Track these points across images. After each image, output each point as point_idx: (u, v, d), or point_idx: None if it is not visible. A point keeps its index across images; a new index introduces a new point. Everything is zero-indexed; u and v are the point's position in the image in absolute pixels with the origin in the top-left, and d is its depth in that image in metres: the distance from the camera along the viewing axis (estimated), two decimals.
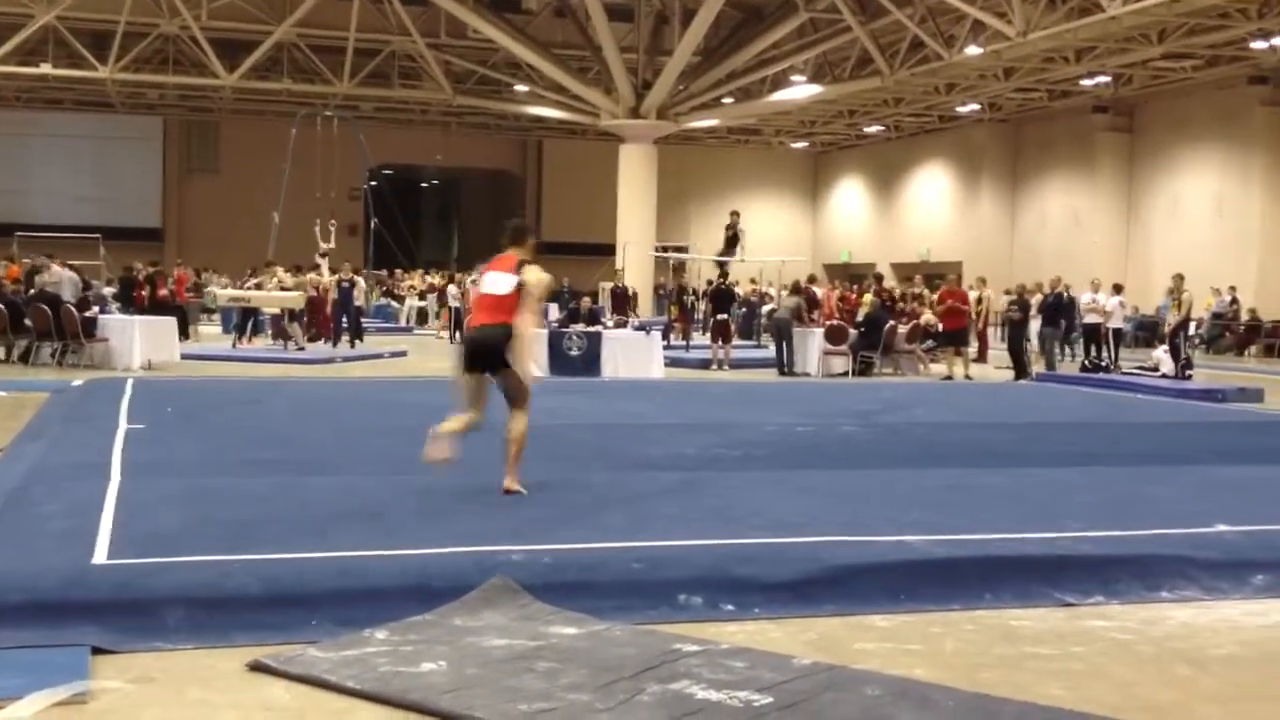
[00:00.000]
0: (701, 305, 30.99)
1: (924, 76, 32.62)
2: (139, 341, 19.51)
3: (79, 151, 45.84)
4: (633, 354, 20.02)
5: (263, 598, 5.51)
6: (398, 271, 41.53)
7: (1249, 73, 32.31)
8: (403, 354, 24.52)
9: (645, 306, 33.73)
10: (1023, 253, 41.10)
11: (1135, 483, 9.17)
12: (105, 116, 44.56)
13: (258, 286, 25.22)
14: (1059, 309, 22.16)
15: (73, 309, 19.42)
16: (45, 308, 19.21)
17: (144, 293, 25.31)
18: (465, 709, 4.48)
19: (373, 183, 36.47)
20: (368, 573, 5.83)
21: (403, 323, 37.35)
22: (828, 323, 23.15)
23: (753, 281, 32.45)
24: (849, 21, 30.18)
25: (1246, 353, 31.06)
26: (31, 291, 20.40)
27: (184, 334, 23.55)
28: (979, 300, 24.74)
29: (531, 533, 6.68)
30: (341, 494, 7.81)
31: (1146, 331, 31.92)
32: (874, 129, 45.02)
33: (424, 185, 57.04)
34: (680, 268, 35.23)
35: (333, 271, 26.72)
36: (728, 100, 37.38)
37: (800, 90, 35.95)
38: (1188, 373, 20.62)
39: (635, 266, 31.91)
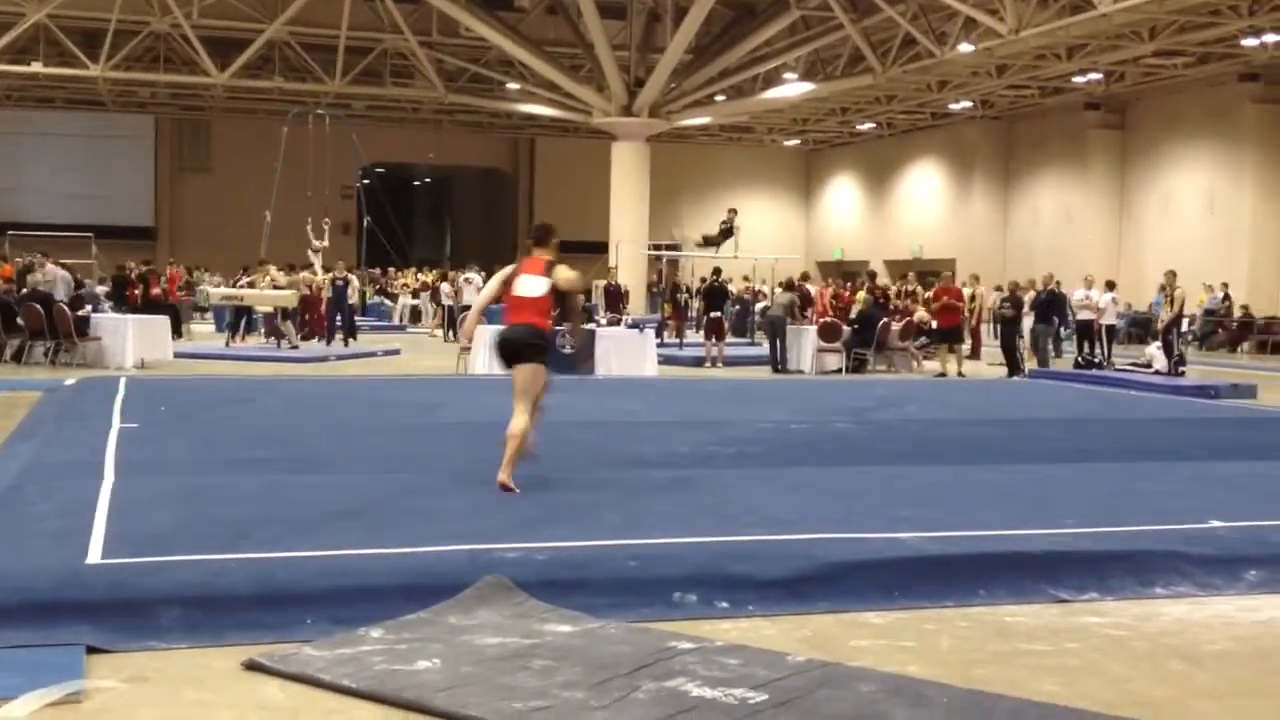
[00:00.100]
0: (695, 303, 31.01)
1: (916, 74, 32.64)
2: (132, 340, 19.49)
3: (70, 150, 45.76)
4: (626, 352, 20.02)
5: (257, 596, 5.51)
6: (391, 270, 41.53)
7: (1240, 70, 32.37)
8: (396, 352, 24.51)
9: (638, 304, 33.72)
10: (1015, 250, 41.15)
11: (1129, 479, 9.18)
12: (97, 115, 44.50)
13: (250, 285, 25.18)
14: (1051, 306, 22.20)
15: (65, 308, 19.39)
16: (38, 307, 19.18)
17: (137, 292, 25.27)
18: (460, 707, 4.48)
19: (365, 181, 36.35)
20: (362, 571, 5.82)
21: (396, 321, 37.34)
22: (821, 320, 23.17)
23: (746, 279, 32.46)
24: (841, 19, 30.19)
25: (1239, 349, 31.12)
26: (24, 290, 20.35)
27: (176, 333, 23.53)
28: (972, 297, 24.77)
29: (526, 531, 6.68)
30: (336, 492, 7.80)
31: (1139, 328, 31.98)
32: (866, 126, 45.05)
33: (416, 183, 57.02)
34: (674, 265, 35.25)
35: (326, 270, 26.70)
36: (720, 98, 37.39)
37: (792, 88, 35.95)
38: (1181, 369, 20.65)
39: (628, 264, 31.91)
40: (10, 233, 34.34)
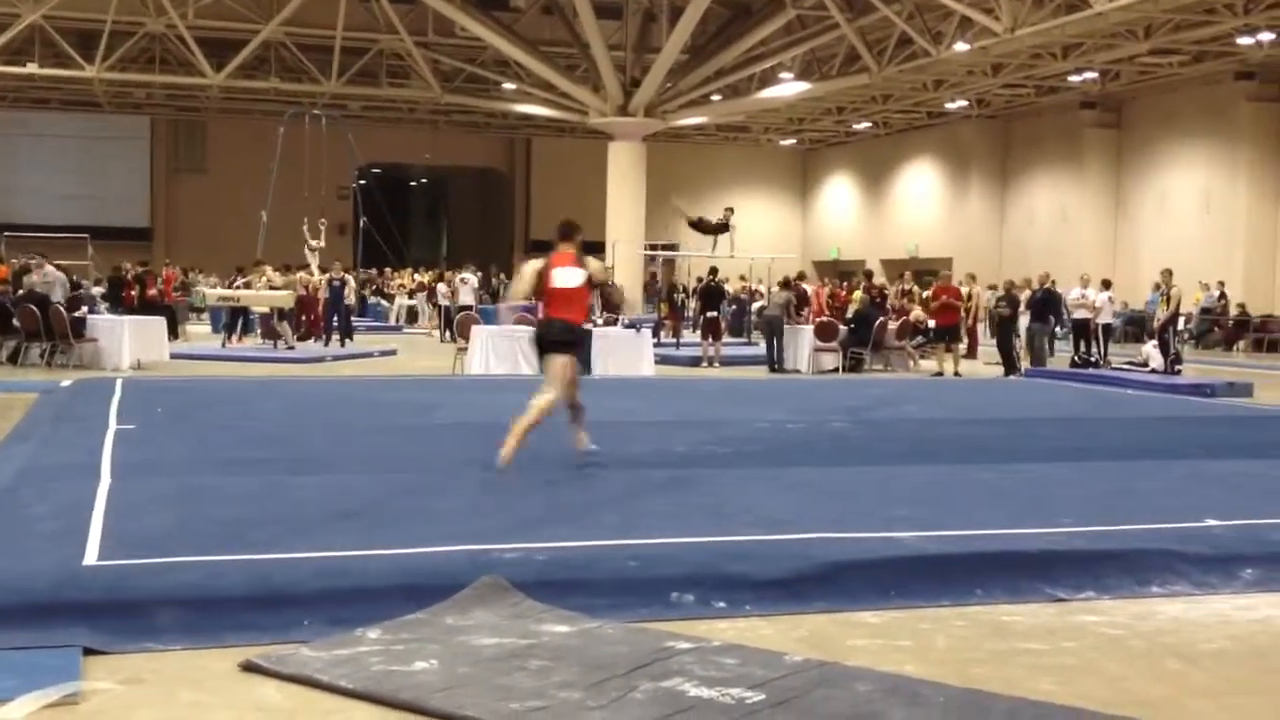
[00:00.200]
0: (692, 303, 31.01)
1: (912, 73, 32.65)
2: (128, 341, 19.49)
3: (66, 151, 45.71)
4: (623, 351, 20.02)
5: (254, 597, 5.50)
6: (387, 270, 41.51)
7: (1235, 68, 32.40)
8: (392, 353, 24.51)
9: (634, 304, 33.69)
10: (1011, 249, 41.17)
11: (1125, 478, 9.19)
12: (92, 116, 44.44)
13: (247, 286, 25.19)
14: (1047, 305, 22.23)
15: (61, 309, 19.38)
16: (33, 308, 19.17)
17: (133, 293, 25.26)
18: (457, 708, 4.48)
19: (361, 182, 36.41)
20: (359, 572, 5.82)
21: (392, 321, 37.33)
22: (818, 319, 23.18)
23: (742, 279, 32.47)
24: (837, 18, 30.19)
25: (1235, 347, 31.17)
26: (20, 292, 20.34)
27: (172, 334, 23.52)
28: (968, 297, 24.79)
29: (523, 531, 6.68)
30: (333, 493, 7.80)
31: (1135, 327, 32.02)
32: (862, 126, 45.05)
33: (412, 184, 57.02)
34: (670, 265, 35.28)
35: (323, 271, 26.70)
36: (716, 97, 37.37)
37: (788, 87, 35.94)
38: (1177, 368, 20.70)
39: (625, 264, 31.89)
40: (6, 234, 34.30)
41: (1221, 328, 32.19)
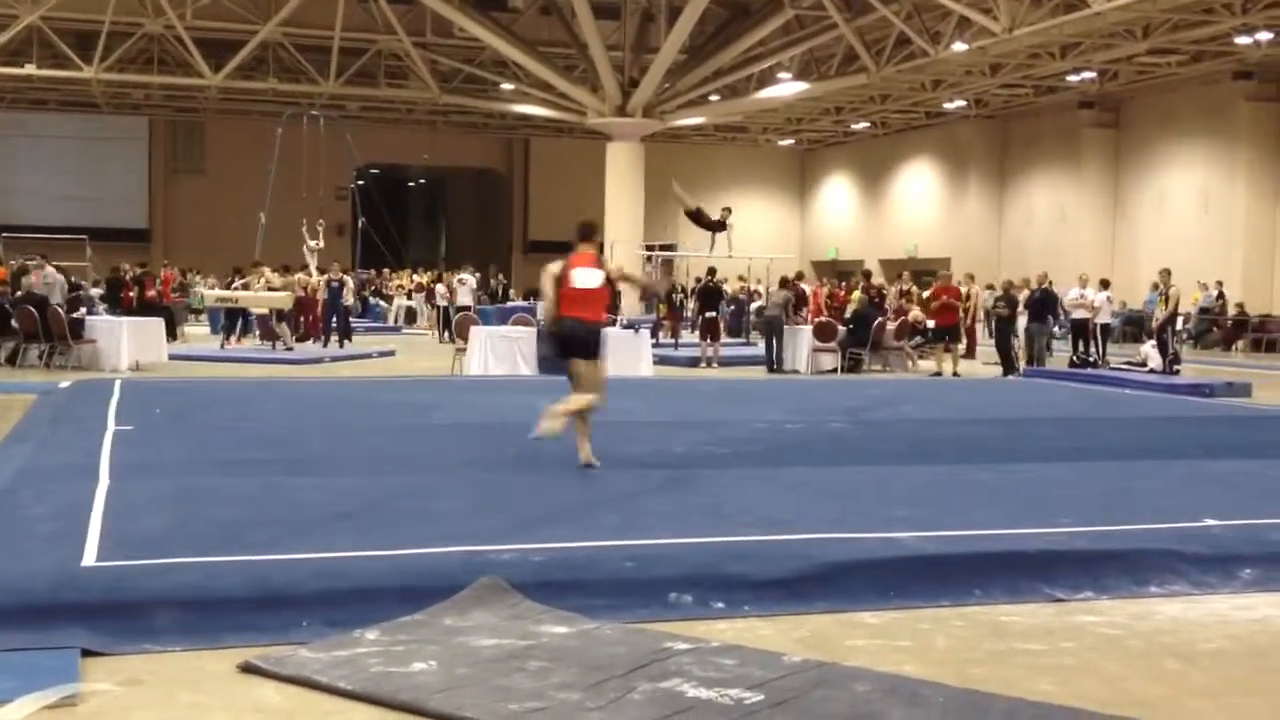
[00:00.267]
0: (690, 303, 30.98)
1: (910, 73, 32.65)
2: (127, 342, 19.48)
3: (64, 152, 45.70)
4: (621, 352, 19.97)
5: (253, 599, 5.50)
6: (385, 271, 41.50)
7: (1233, 68, 32.41)
8: (391, 353, 24.50)
9: (632, 304, 33.68)
10: (1010, 249, 41.18)
11: (1124, 478, 9.19)
12: (90, 117, 44.42)
13: (245, 287, 25.19)
14: (1045, 304, 22.24)
15: (60, 310, 19.37)
16: (32, 309, 19.16)
17: (131, 294, 25.26)
18: (456, 709, 4.48)
19: (359, 182, 36.39)
20: (358, 573, 5.82)
21: (391, 322, 37.33)
22: (816, 320, 23.18)
23: (741, 279, 32.48)
24: (835, 18, 30.19)
25: (1234, 347, 31.18)
26: (18, 293, 20.34)
27: (170, 335, 23.51)
28: (966, 296, 24.79)
29: (521, 532, 6.68)
30: (331, 494, 7.80)
31: (1134, 326, 32.03)
32: (860, 126, 45.05)
33: (411, 184, 57.01)
34: (669, 265, 35.25)
35: (321, 271, 26.69)
36: (714, 98, 37.37)
37: (786, 87, 35.94)
38: (1175, 368, 20.70)
39: (623, 265, 31.85)
40: (4, 235, 34.29)
41: (1220, 327, 32.20)
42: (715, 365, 22.20)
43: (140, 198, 47.29)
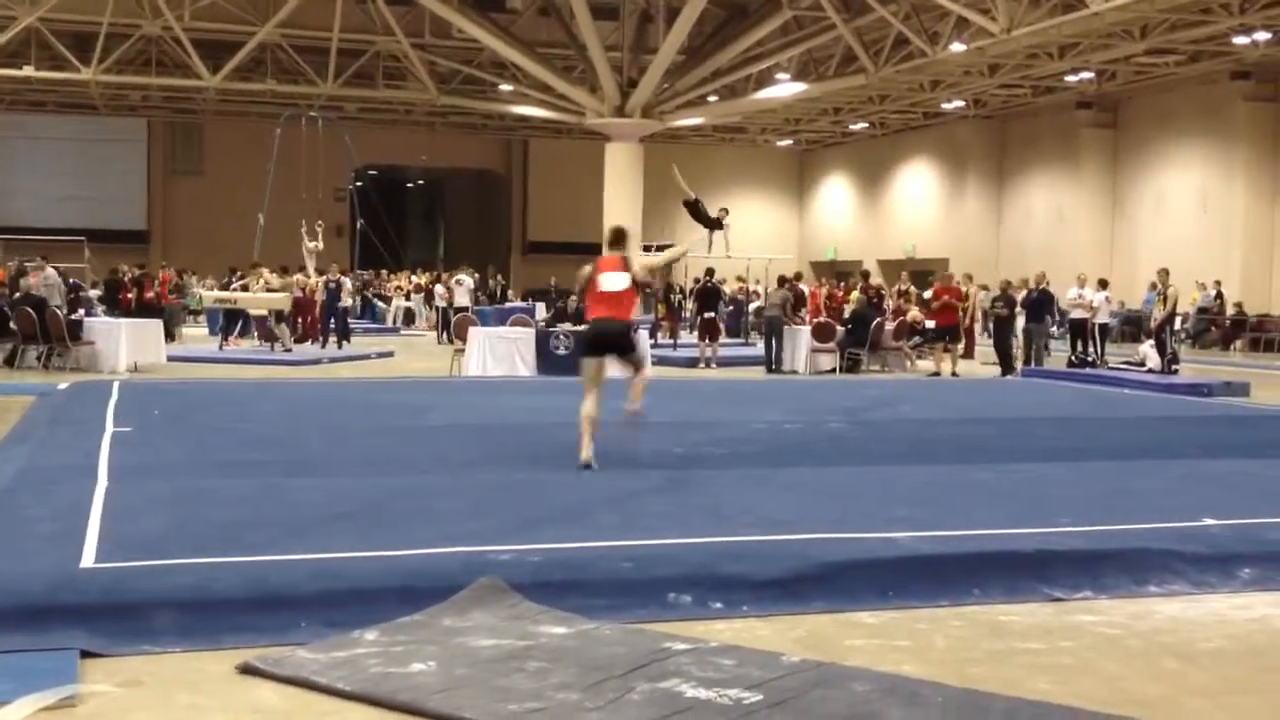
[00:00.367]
0: (689, 304, 30.97)
1: (908, 73, 32.64)
2: (125, 344, 19.47)
3: (63, 154, 45.69)
4: None
5: (251, 600, 5.50)
6: (383, 272, 41.50)
7: (1231, 68, 32.41)
8: (390, 354, 24.51)
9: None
10: (1008, 249, 41.19)
11: (1122, 477, 9.20)
12: (89, 118, 44.40)
13: (244, 288, 25.18)
14: (1043, 304, 22.25)
15: (58, 312, 19.36)
16: (30, 311, 19.15)
17: (130, 295, 25.24)
18: (455, 709, 4.48)
19: (358, 183, 36.38)
20: (356, 574, 5.82)
21: (389, 323, 37.32)
22: (815, 320, 23.18)
23: (740, 279, 32.48)
24: (833, 19, 30.18)
25: (1232, 347, 31.18)
26: (16, 295, 20.33)
27: (167, 336, 23.49)
28: (965, 296, 24.79)
29: (520, 532, 6.68)
30: (330, 495, 7.80)
31: (1133, 326, 32.03)
32: (859, 126, 45.05)
33: (409, 185, 56.98)
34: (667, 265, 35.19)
35: (319, 273, 26.68)
36: (713, 98, 37.35)
37: (785, 88, 35.93)
38: (1174, 367, 20.68)
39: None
40: (3, 237, 34.29)
41: (1218, 327, 32.21)
42: (714, 366, 22.20)
43: (139, 199, 47.28)
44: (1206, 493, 8.52)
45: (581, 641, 5.25)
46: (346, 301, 27.23)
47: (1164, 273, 21.34)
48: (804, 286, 26.72)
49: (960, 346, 22.44)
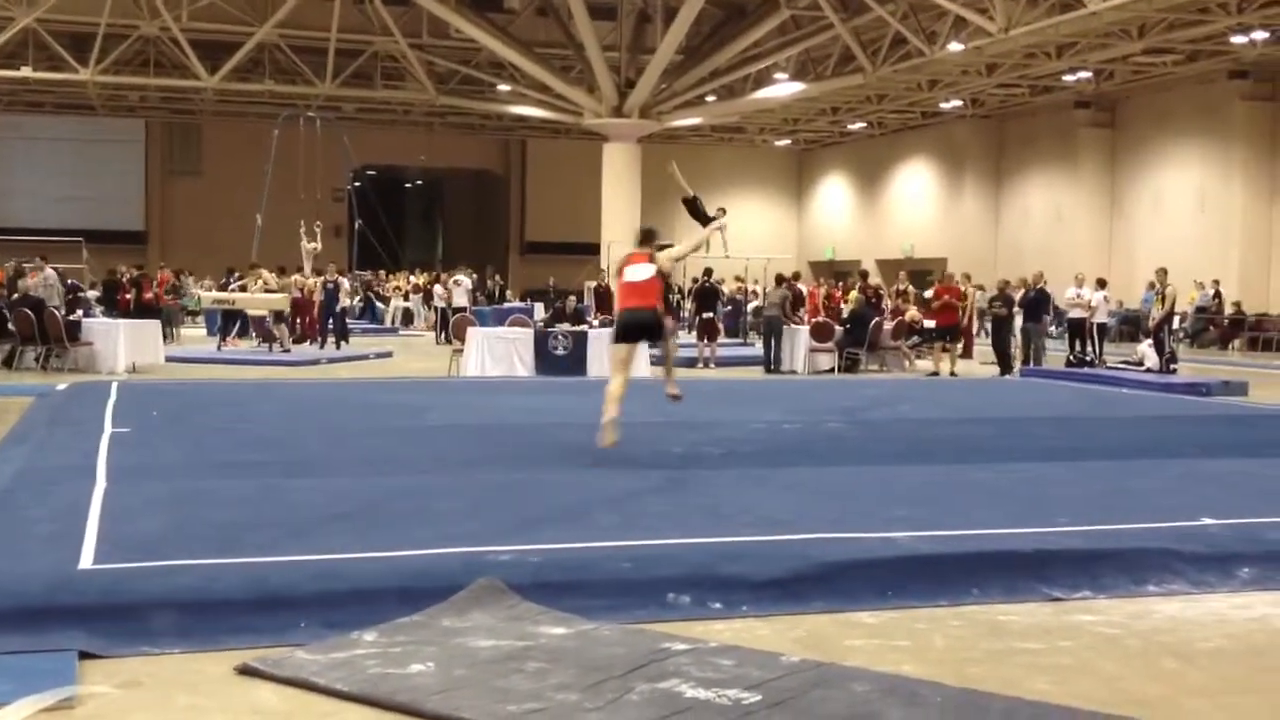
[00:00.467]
0: (687, 304, 30.96)
1: (906, 73, 32.65)
2: (123, 345, 19.46)
3: (60, 154, 45.68)
4: None
5: (250, 601, 5.50)
6: (381, 272, 41.49)
7: (1229, 67, 32.42)
8: (388, 355, 24.50)
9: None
10: (1006, 248, 41.20)
11: (1121, 477, 9.19)
12: (86, 119, 44.39)
13: (242, 289, 25.17)
14: (1040, 304, 22.27)
15: (56, 313, 19.35)
16: (28, 312, 19.14)
17: (128, 296, 25.23)
18: (454, 710, 4.47)
19: (356, 184, 36.39)
20: (355, 574, 5.81)
21: (388, 324, 37.31)
22: (814, 320, 23.19)
23: (738, 279, 32.48)
24: (831, 19, 30.19)
25: (1231, 346, 31.19)
26: (15, 295, 20.33)
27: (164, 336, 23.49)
28: (964, 296, 24.78)
29: (519, 533, 6.68)
30: (329, 496, 7.79)
31: (1131, 326, 32.04)
32: (857, 126, 45.07)
33: (407, 186, 56.96)
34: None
35: (317, 273, 26.68)
36: (711, 98, 37.35)
37: (783, 88, 35.94)
38: (1172, 367, 20.70)
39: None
40: (1, 237, 34.27)
41: (1217, 327, 32.22)
42: (713, 366, 22.19)
43: (137, 200, 47.28)
44: (1205, 492, 8.52)
45: (581, 642, 5.25)
46: (345, 302, 27.22)
47: (1162, 272, 21.35)
48: (802, 286, 26.72)
49: (959, 346, 22.46)
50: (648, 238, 10.34)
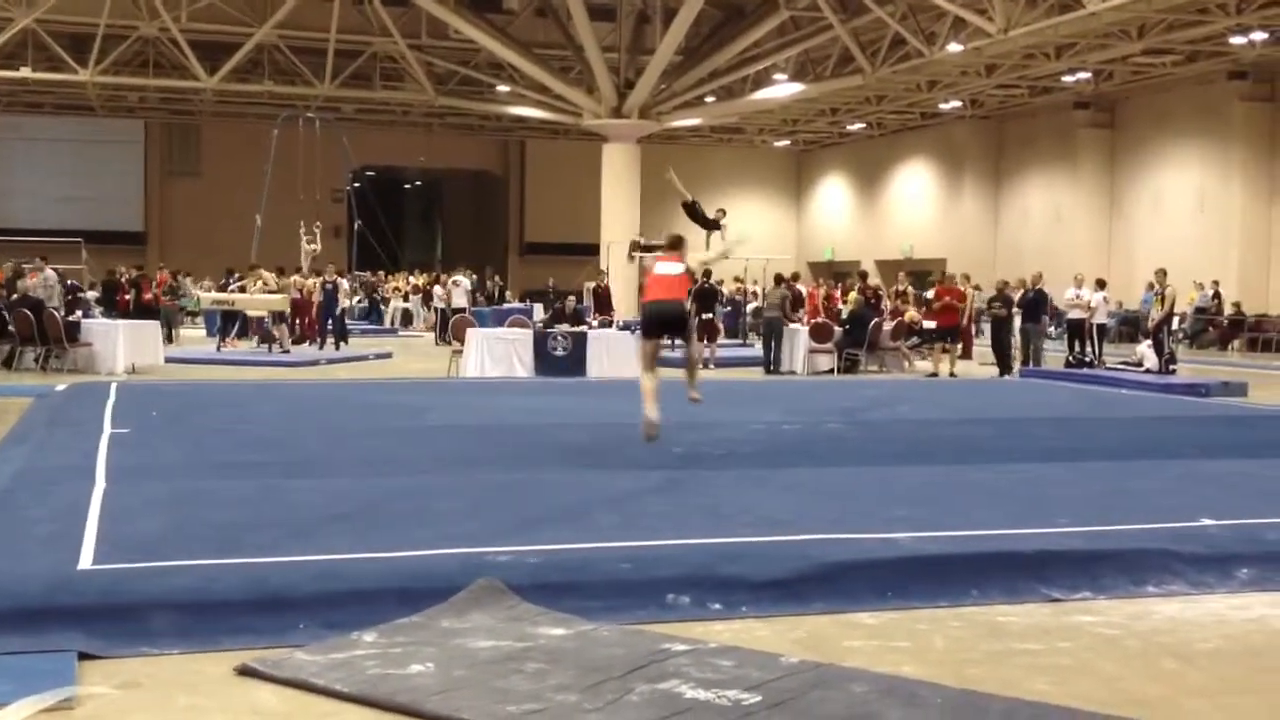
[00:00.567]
0: (687, 304, 30.83)
1: (905, 74, 32.66)
2: (123, 345, 19.45)
3: (60, 155, 45.66)
4: (618, 353, 20.00)
5: (250, 601, 5.50)
6: (380, 273, 41.48)
7: (1228, 68, 32.42)
8: (387, 355, 24.50)
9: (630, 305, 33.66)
10: (1005, 249, 41.20)
11: (1120, 477, 9.19)
12: (86, 120, 44.37)
13: (241, 289, 25.16)
14: (1039, 304, 22.27)
15: (55, 313, 19.35)
16: (28, 312, 19.14)
17: (127, 296, 25.23)
18: (453, 710, 4.47)
19: (355, 184, 36.38)
20: (355, 575, 5.81)
21: (387, 324, 37.31)
22: (813, 321, 23.19)
23: (737, 280, 32.46)
24: (830, 19, 30.20)
25: (1230, 347, 31.19)
26: (14, 296, 20.32)
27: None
28: (963, 297, 24.77)
29: (519, 533, 6.68)
30: (328, 496, 7.79)
31: (1130, 326, 32.03)
32: (856, 127, 45.07)
33: (407, 186, 56.96)
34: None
35: (316, 274, 26.67)
36: (710, 99, 37.35)
37: (782, 89, 35.94)
38: (1171, 367, 20.69)
39: (620, 266, 31.88)
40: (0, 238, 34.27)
41: (1216, 327, 32.21)
42: (712, 366, 22.17)
43: (136, 200, 47.27)
44: (1204, 493, 8.52)
45: (580, 643, 5.25)
46: (344, 303, 27.21)
47: (1161, 273, 21.34)
48: (802, 287, 26.72)
49: (958, 347, 22.46)
50: (676, 244, 10.54)
